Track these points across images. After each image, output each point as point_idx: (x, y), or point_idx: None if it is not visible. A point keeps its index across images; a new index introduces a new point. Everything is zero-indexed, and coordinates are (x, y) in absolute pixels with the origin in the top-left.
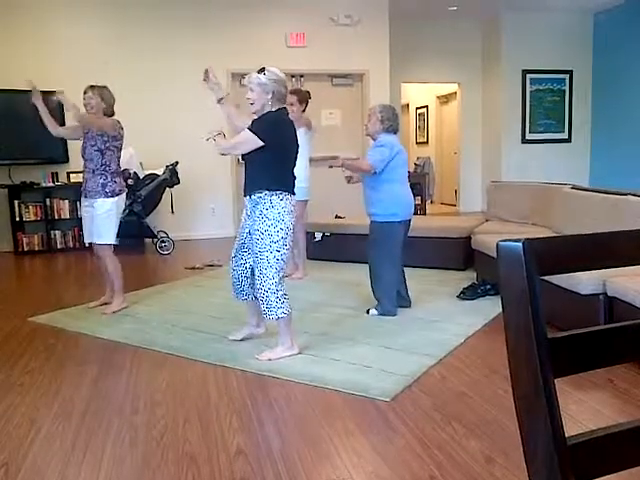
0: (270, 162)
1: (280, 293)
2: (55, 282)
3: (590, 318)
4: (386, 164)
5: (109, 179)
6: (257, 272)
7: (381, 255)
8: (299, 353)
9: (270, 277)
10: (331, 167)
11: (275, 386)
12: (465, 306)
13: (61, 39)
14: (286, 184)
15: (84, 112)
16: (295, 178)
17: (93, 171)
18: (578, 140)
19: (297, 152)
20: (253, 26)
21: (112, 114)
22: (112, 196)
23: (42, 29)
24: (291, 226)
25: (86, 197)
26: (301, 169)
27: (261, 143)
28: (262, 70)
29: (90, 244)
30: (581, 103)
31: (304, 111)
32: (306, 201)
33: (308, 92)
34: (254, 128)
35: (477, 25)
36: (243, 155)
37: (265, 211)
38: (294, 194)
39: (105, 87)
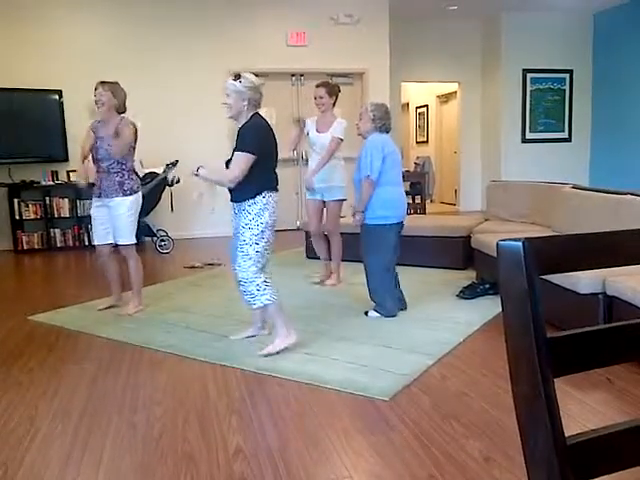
0: (256, 169)
1: (259, 281)
2: (54, 281)
3: (590, 317)
4: (382, 163)
5: (126, 177)
6: (237, 264)
7: (375, 258)
8: (289, 349)
9: (247, 268)
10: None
11: (274, 385)
12: (464, 305)
13: (62, 38)
14: (269, 184)
15: (107, 151)
16: (277, 175)
17: (108, 170)
18: (578, 139)
19: (277, 149)
20: (253, 25)
21: (124, 111)
22: (130, 194)
23: (43, 28)
24: (271, 221)
25: (100, 197)
26: (337, 169)
27: (255, 157)
28: (238, 77)
29: (97, 245)
30: (581, 102)
31: (334, 105)
32: (342, 201)
33: (338, 86)
34: (244, 147)
35: (477, 24)
36: (227, 165)
37: (248, 207)
38: (277, 190)
39: (116, 83)
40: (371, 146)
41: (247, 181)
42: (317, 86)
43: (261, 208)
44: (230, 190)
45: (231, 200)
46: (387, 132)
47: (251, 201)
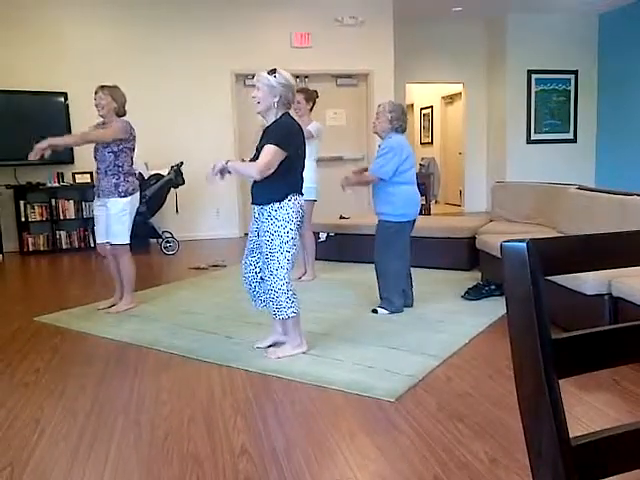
0: (286, 170)
1: (290, 293)
2: (60, 282)
3: (595, 318)
4: (396, 169)
5: (122, 179)
6: (267, 273)
7: (390, 254)
8: (304, 353)
9: (281, 278)
10: (346, 187)
11: (279, 386)
12: (470, 306)
13: (65, 39)
14: (296, 187)
15: (85, 132)
16: (303, 178)
17: (106, 172)
18: (584, 140)
19: (305, 152)
20: (258, 26)
21: (124, 114)
22: (125, 196)
23: (46, 29)
24: (299, 225)
25: (99, 197)
26: (310, 170)
27: (285, 154)
28: (273, 71)
29: (98, 244)
30: (586, 103)
31: (311, 110)
32: (314, 201)
33: (316, 92)
34: (276, 140)
35: (482, 25)
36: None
37: (274, 212)
38: (302, 194)
39: (116, 87)
40: (393, 149)
41: (274, 181)
42: (296, 91)
43: (288, 213)
44: (252, 192)
45: (253, 202)
46: (403, 132)
47: (277, 205)
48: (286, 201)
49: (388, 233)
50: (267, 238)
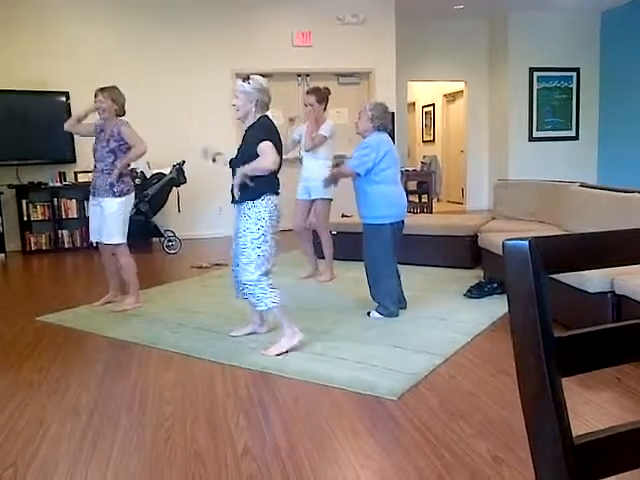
0: None
1: (264, 284)
2: (63, 281)
3: (598, 316)
4: (372, 166)
5: (117, 179)
6: (240, 267)
7: (376, 257)
8: (296, 349)
9: (251, 272)
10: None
11: (282, 385)
12: (472, 305)
13: (66, 38)
14: (271, 187)
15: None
16: (279, 179)
17: (102, 170)
18: (586, 138)
19: (282, 152)
20: (259, 25)
21: (123, 114)
22: (120, 196)
23: (47, 28)
24: (272, 224)
25: (94, 195)
26: (324, 168)
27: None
28: (247, 79)
29: (95, 242)
30: (589, 101)
31: (325, 109)
32: (330, 200)
33: (327, 89)
34: (262, 138)
35: (484, 23)
36: (231, 164)
37: (248, 210)
38: (277, 194)
39: (114, 87)
40: (370, 146)
41: (252, 180)
42: (307, 93)
43: (261, 211)
44: (232, 191)
45: (232, 202)
46: (386, 131)
47: (251, 204)
48: (259, 200)
49: (370, 237)
50: (240, 234)
